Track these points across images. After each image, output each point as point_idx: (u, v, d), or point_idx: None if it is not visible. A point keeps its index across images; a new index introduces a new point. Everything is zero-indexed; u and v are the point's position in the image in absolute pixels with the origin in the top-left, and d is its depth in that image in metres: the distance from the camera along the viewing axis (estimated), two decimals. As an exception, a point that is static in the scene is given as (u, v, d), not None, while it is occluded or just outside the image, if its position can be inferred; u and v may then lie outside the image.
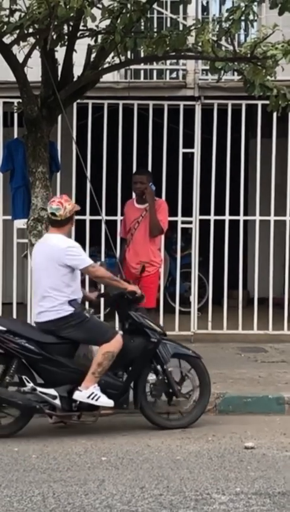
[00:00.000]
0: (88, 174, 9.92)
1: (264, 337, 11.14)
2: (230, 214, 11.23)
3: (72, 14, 7.23)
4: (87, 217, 10.93)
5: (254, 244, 11.29)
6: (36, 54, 8.34)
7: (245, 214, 11.47)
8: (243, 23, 8.04)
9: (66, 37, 8.25)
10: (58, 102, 8.23)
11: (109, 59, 8.59)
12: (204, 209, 11.22)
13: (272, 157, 11.16)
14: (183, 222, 11.22)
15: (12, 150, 9.12)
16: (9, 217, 9.60)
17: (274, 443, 7.04)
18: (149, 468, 6.32)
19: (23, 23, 7.48)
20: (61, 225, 7.37)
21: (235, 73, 9.12)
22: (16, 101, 9.77)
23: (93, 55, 8.48)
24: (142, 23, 8.32)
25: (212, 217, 11.22)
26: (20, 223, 9.10)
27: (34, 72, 8.63)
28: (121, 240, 9.59)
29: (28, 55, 8.25)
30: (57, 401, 7.15)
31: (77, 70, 8.52)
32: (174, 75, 12.20)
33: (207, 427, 7.50)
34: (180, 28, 9.08)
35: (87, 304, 8.30)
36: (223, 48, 8.54)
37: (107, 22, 7.97)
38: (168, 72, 12.07)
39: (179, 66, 11.79)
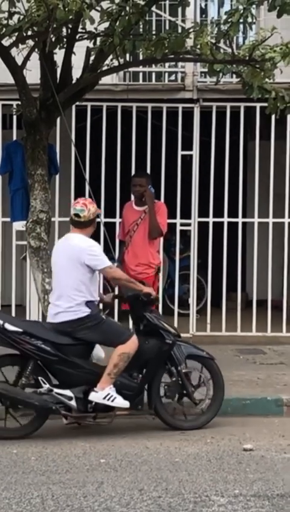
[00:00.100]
0: (87, 176, 9.93)
1: (262, 339, 11.15)
2: (229, 216, 11.24)
3: (70, 17, 7.23)
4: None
5: (252, 246, 11.29)
6: (35, 56, 8.35)
7: (244, 216, 11.48)
8: (241, 26, 8.06)
9: (64, 39, 8.26)
10: (57, 104, 8.24)
11: (107, 61, 8.60)
12: (203, 212, 11.23)
13: (271, 160, 11.17)
14: (182, 224, 11.22)
15: (11, 152, 9.12)
16: (8, 219, 9.60)
17: (273, 445, 7.05)
18: (148, 470, 6.32)
19: (22, 25, 7.48)
20: (84, 227, 7.42)
21: (234, 75, 9.14)
22: (14, 103, 9.78)
23: (92, 58, 8.48)
24: (141, 26, 8.34)
25: (211, 219, 11.23)
26: (19, 225, 9.10)
27: (32, 74, 8.63)
28: (119, 242, 9.60)
29: (26, 58, 8.26)
30: (73, 402, 7.18)
31: (76, 73, 8.53)
32: (172, 77, 12.21)
33: (206, 429, 7.50)
34: (179, 30, 9.11)
35: (101, 305, 8.33)
36: (222, 51, 8.53)
37: (106, 24, 7.98)
38: (166, 74, 12.08)
39: (177, 69, 11.80)
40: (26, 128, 8.51)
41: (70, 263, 7.25)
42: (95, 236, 10.62)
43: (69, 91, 8.45)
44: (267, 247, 11.18)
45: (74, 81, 8.52)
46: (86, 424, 7.36)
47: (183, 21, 11.05)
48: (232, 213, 11.24)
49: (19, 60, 8.31)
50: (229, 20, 7.78)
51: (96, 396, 7.16)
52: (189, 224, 11.24)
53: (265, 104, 8.85)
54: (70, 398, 7.17)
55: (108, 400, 7.15)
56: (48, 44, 7.61)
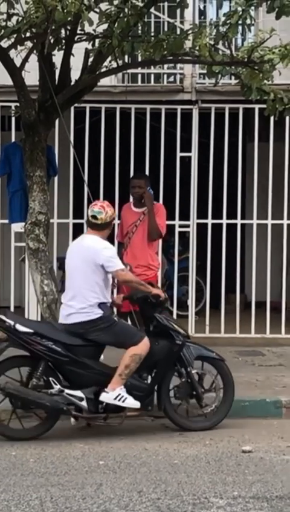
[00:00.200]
0: (85, 178, 9.93)
1: (261, 341, 11.15)
2: (227, 218, 11.25)
3: (69, 18, 7.22)
4: (85, 221, 10.93)
5: (251, 247, 11.30)
6: (34, 58, 8.34)
7: (242, 217, 11.49)
8: (240, 28, 8.04)
9: (63, 41, 8.24)
10: (55, 106, 8.23)
11: (106, 63, 8.59)
12: (201, 213, 11.24)
13: (270, 161, 11.18)
14: (180, 226, 11.23)
15: (9, 154, 9.12)
16: (7, 221, 9.59)
17: (272, 447, 7.04)
18: (147, 472, 6.32)
19: (21, 27, 7.48)
20: (101, 229, 7.44)
21: (233, 77, 9.13)
22: (13, 105, 9.77)
23: (90, 59, 8.48)
24: (140, 28, 8.32)
25: (209, 221, 11.24)
26: (17, 227, 9.10)
27: (31, 76, 8.63)
28: (118, 243, 9.59)
29: (25, 59, 8.25)
30: (84, 403, 7.19)
31: (75, 74, 8.52)
32: (171, 79, 12.21)
33: (205, 431, 7.50)
34: (178, 32, 9.08)
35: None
36: (221, 52, 8.53)
37: (105, 26, 7.97)
38: (165, 76, 12.09)
39: (176, 70, 11.80)
40: (24, 129, 8.50)
41: (85, 264, 7.28)
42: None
43: (67, 93, 8.44)
44: (266, 249, 11.18)
45: (72, 83, 8.51)
46: (97, 425, 7.38)
47: (182, 23, 11.05)
48: (231, 215, 11.25)
49: (18, 62, 8.30)
50: (228, 21, 7.77)
51: (107, 397, 7.17)
52: (188, 226, 11.25)
53: (264, 106, 8.85)
54: (81, 399, 7.19)
55: (119, 400, 7.17)
56: (47, 45, 7.60)
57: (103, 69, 8.63)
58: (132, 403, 7.21)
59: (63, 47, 8.31)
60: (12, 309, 10.75)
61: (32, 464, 6.55)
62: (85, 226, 10.86)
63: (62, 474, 6.27)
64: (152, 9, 9.41)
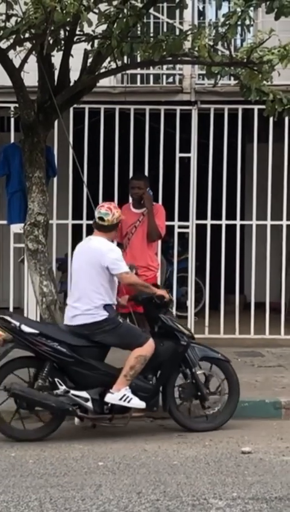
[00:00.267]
0: (85, 178, 9.92)
1: (261, 342, 11.15)
2: (227, 219, 11.25)
3: (68, 19, 7.22)
4: (84, 222, 10.94)
5: (250, 248, 11.29)
6: (33, 58, 8.35)
7: (242, 218, 11.48)
8: (239, 28, 8.06)
9: (62, 41, 8.24)
10: (54, 107, 8.23)
11: (105, 64, 8.59)
12: (201, 214, 11.23)
13: (269, 162, 11.18)
14: (180, 227, 11.23)
15: (8, 155, 9.12)
16: (5, 222, 9.58)
17: (271, 448, 7.04)
18: (146, 473, 6.31)
19: (20, 28, 7.48)
20: (108, 230, 7.45)
21: (232, 78, 9.13)
22: (12, 105, 9.76)
23: (89, 60, 8.48)
24: (139, 28, 8.33)
25: (209, 222, 11.24)
26: (16, 228, 9.10)
27: (30, 76, 8.63)
28: (117, 244, 9.57)
29: (24, 60, 8.25)
30: (89, 404, 7.20)
31: (74, 75, 8.52)
32: (170, 79, 12.20)
33: (204, 431, 7.49)
34: (177, 32, 9.10)
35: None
36: (220, 53, 8.53)
37: (104, 26, 7.97)
38: (164, 76, 12.08)
39: (175, 71, 11.80)
40: (24, 130, 8.50)
41: (90, 266, 7.29)
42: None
43: (66, 93, 8.44)
44: (266, 250, 11.18)
45: (71, 84, 8.51)
46: (96, 426, 7.39)
47: (181, 23, 11.05)
48: (230, 215, 11.25)
49: (17, 63, 8.31)
50: (227, 22, 7.77)
51: (113, 397, 7.18)
52: (187, 227, 11.24)
53: (263, 107, 8.86)
54: (86, 400, 7.20)
55: (124, 400, 7.18)
56: (46, 46, 7.61)
57: (102, 70, 8.63)
58: (137, 403, 7.22)
59: (62, 48, 8.31)
60: (11, 310, 10.75)
61: (31, 465, 6.55)
62: (84, 227, 10.93)
63: (61, 476, 6.27)
64: (151, 10, 9.41)
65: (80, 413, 7.23)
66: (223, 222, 11.23)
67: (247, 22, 7.81)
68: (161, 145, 11.11)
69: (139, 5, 8.23)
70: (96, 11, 7.77)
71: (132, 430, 7.47)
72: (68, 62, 8.45)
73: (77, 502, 5.63)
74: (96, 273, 7.28)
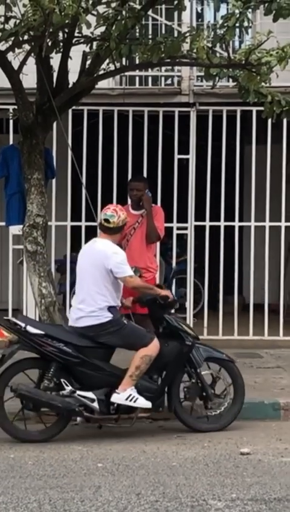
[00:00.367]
0: (83, 180, 9.93)
1: (260, 343, 11.16)
2: (225, 220, 11.26)
3: (67, 21, 7.23)
4: (83, 223, 10.96)
5: (249, 250, 11.30)
6: (31, 60, 8.35)
7: (240, 219, 11.49)
8: (237, 30, 8.04)
9: (61, 43, 8.25)
10: (53, 108, 8.24)
11: (104, 66, 8.60)
12: (199, 215, 11.24)
13: (267, 164, 11.18)
14: (178, 228, 11.24)
15: (7, 157, 9.11)
16: (4, 224, 9.58)
17: (270, 449, 7.04)
18: (145, 475, 6.32)
19: (18, 30, 7.49)
20: (113, 233, 7.46)
21: (230, 79, 9.13)
22: (11, 107, 9.77)
23: (88, 62, 8.48)
24: (137, 30, 8.33)
25: (207, 223, 11.24)
26: (15, 229, 9.10)
27: (29, 78, 8.64)
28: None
29: (23, 62, 8.26)
30: (95, 404, 7.22)
31: (72, 77, 8.53)
32: (169, 81, 12.22)
33: (203, 433, 7.50)
34: (175, 34, 9.09)
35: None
36: (218, 55, 8.54)
37: (102, 28, 7.98)
38: (163, 78, 12.10)
39: (174, 73, 11.81)
40: (22, 132, 8.50)
41: (94, 268, 7.31)
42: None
43: (65, 95, 8.44)
44: (264, 251, 11.19)
45: (70, 86, 8.52)
46: (107, 427, 7.40)
47: (179, 25, 11.07)
48: (229, 217, 11.26)
49: (15, 65, 8.31)
50: (225, 24, 7.78)
51: (119, 397, 7.19)
52: (185, 228, 11.26)
53: (261, 108, 8.86)
54: (92, 400, 7.21)
55: (130, 400, 7.20)
56: (44, 48, 7.61)
57: (101, 72, 8.64)
58: (143, 403, 7.24)
59: (61, 50, 8.31)
60: (10, 312, 10.76)
61: (30, 467, 6.55)
62: (83, 228, 10.94)
63: (60, 477, 6.27)
64: (150, 12, 9.40)
65: (86, 413, 7.25)
66: (222, 223, 11.24)
67: (245, 23, 7.82)
68: (159, 146, 11.12)
69: (138, 7, 8.24)
70: (95, 13, 7.79)
71: (131, 431, 7.47)
72: (67, 64, 8.45)
73: (76, 504, 5.64)
74: (100, 275, 7.29)
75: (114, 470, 6.46)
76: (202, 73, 9.09)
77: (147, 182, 9.25)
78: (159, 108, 11.21)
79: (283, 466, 6.56)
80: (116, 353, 7.46)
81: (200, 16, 12.48)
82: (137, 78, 11.94)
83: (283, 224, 11.36)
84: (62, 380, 7.22)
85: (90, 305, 7.28)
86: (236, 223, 11.31)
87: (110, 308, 7.30)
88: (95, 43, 8.38)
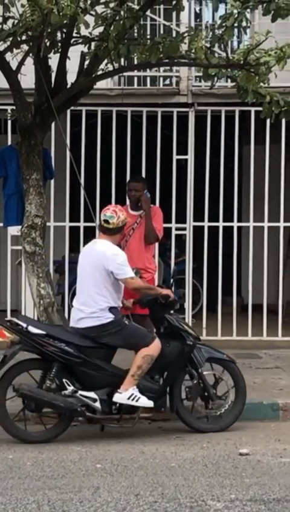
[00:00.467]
0: (82, 180, 9.93)
1: (258, 344, 11.15)
2: (224, 221, 11.25)
3: (65, 21, 7.23)
4: (81, 224, 10.95)
5: (248, 250, 11.29)
6: (30, 61, 8.35)
7: (239, 220, 11.49)
8: (236, 30, 8.05)
9: (59, 44, 8.25)
10: (51, 109, 8.23)
11: (102, 66, 8.60)
12: (198, 216, 11.24)
13: (266, 164, 11.18)
14: (177, 229, 11.24)
15: (5, 157, 9.11)
16: (2, 224, 9.57)
17: (269, 449, 7.04)
18: (144, 475, 6.31)
19: (17, 30, 7.48)
20: (113, 233, 7.46)
21: (229, 80, 9.13)
22: (9, 108, 9.78)
23: (86, 62, 8.48)
24: (136, 30, 8.33)
25: (206, 224, 11.24)
26: (14, 230, 9.09)
27: (27, 79, 8.63)
28: (115, 246, 9.58)
29: (21, 62, 8.25)
30: (97, 404, 7.22)
31: (71, 77, 8.52)
32: (167, 82, 12.22)
33: (202, 433, 7.49)
34: (174, 35, 9.10)
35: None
36: (216, 55, 8.55)
37: (101, 29, 7.98)
38: (161, 79, 12.09)
39: (172, 73, 11.81)
40: (20, 133, 8.50)
41: (94, 269, 7.31)
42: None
43: (63, 95, 8.44)
44: (263, 252, 11.18)
45: (68, 86, 8.52)
46: (109, 427, 7.40)
47: (177, 25, 11.06)
48: (228, 217, 11.25)
49: (14, 65, 8.31)
50: (224, 24, 7.79)
51: (121, 397, 7.20)
52: (184, 229, 11.25)
53: (260, 109, 8.86)
54: (94, 400, 7.22)
55: (132, 400, 7.20)
56: (43, 48, 7.60)
57: (99, 72, 8.64)
58: (145, 402, 7.24)
59: (59, 50, 8.32)
60: (8, 312, 10.75)
61: (29, 467, 6.54)
62: (82, 229, 10.93)
63: (59, 478, 6.26)
64: (148, 12, 9.41)
65: (89, 413, 7.25)
66: (221, 224, 11.23)
67: (244, 23, 7.83)
68: (158, 147, 11.11)
69: (136, 7, 8.24)
70: (93, 13, 7.78)
71: (129, 432, 7.46)
72: (65, 64, 8.45)
73: (75, 504, 5.63)
74: (100, 276, 7.29)
75: (113, 470, 6.45)
76: (201, 74, 9.09)
77: (145, 183, 9.25)
78: (158, 108, 11.20)
79: (282, 466, 6.55)
80: (117, 353, 7.46)
81: (198, 16, 12.49)
82: (135, 79, 11.93)
83: (281, 224, 11.35)
84: (64, 380, 7.22)
85: (90, 306, 7.28)
86: (235, 224, 11.30)
87: (112, 309, 7.30)
88: (93, 44, 8.38)
